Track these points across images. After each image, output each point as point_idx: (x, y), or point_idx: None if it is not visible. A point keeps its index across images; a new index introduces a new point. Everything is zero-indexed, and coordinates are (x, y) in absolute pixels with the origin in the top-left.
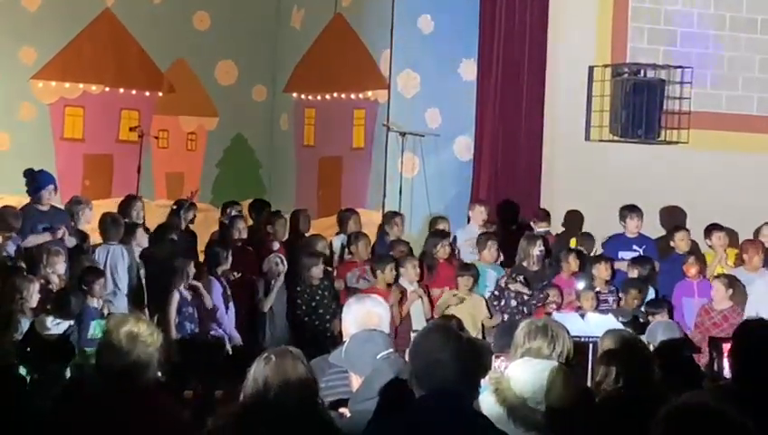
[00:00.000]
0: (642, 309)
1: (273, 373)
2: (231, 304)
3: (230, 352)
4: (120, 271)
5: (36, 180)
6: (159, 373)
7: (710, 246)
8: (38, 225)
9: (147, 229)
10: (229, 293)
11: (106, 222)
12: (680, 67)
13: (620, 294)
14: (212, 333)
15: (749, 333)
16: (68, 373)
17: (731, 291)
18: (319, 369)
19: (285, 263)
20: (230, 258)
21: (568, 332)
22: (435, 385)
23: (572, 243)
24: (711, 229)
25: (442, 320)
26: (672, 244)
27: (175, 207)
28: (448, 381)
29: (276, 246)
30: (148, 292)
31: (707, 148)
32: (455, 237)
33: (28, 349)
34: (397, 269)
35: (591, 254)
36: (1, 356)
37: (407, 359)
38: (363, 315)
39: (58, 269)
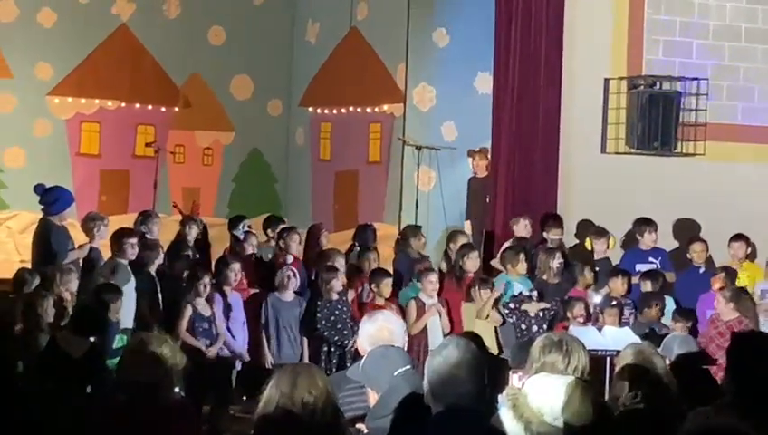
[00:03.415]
0: (662, 321)
1: (293, 388)
2: (244, 321)
3: (239, 369)
4: None
5: (62, 198)
6: (177, 389)
7: (732, 256)
8: (68, 241)
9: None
10: (232, 308)
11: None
12: (696, 79)
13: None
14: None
15: (742, 347)
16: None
17: (731, 304)
18: (336, 384)
19: (298, 277)
20: (236, 274)
21: (584, 346)
22: (451, 401)
23: (587, 243)
24: (731, 239)
25: (459, 336)
26: (689, 256)
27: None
28: (465, 397)
29: (290, 259)
30: (164, 309)
31: (724, 159)
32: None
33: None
34: (398, 284)
35: (608, 247)
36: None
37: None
38: (375, 332)
39: (71, 287)
